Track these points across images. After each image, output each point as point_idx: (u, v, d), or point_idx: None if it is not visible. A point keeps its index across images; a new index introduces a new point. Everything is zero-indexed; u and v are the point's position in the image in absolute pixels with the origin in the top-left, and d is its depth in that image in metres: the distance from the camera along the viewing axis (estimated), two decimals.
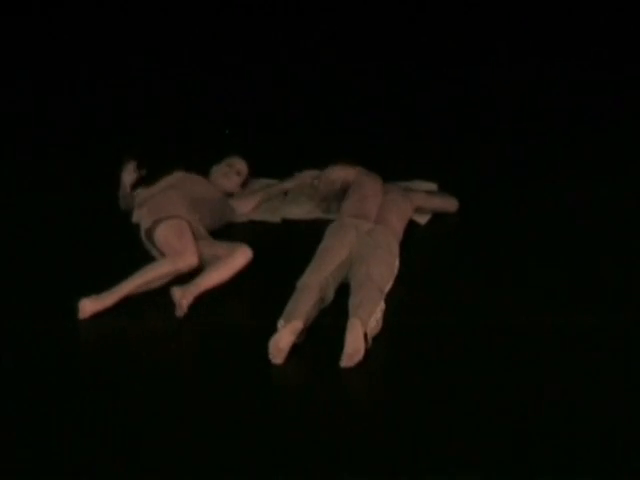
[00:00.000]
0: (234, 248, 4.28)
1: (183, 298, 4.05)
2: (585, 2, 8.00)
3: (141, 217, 4.53)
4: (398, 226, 4.48)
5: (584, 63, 7.17)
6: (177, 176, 4.78)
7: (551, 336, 3.86)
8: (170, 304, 4.09)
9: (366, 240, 4.23)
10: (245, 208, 4.95)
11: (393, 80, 7.09)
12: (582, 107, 6.40)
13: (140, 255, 4.47)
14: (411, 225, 4.69)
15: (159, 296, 4.20)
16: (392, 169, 5.17)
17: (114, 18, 8.21)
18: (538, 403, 3.45)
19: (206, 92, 6.93)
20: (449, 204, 4.93)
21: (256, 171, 5.14)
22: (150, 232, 4.40)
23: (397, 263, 4.25)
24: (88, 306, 4.07)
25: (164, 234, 4.33)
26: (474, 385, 3.58)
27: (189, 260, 4.23)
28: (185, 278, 4.23)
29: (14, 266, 4.59)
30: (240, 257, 4.24)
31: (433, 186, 5.12)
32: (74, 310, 4.05)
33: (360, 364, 3.69)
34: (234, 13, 8.22)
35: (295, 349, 3.78)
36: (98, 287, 4.14)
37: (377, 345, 3.82)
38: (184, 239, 4.28)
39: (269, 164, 5.24)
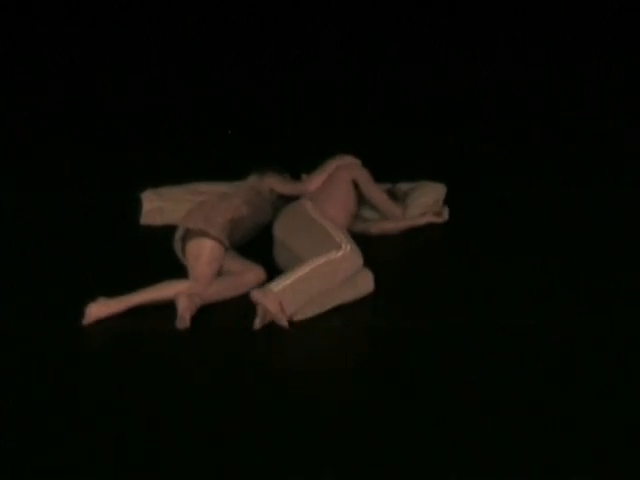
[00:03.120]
0: (248, 269, 4.33)
1: (187, 310, 4.09)
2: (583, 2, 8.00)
3: (190, 213, 4.50)
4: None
5: (582, 62, 7.20)
6: (249, 181, 4.84)
7: (549, 337, 3.89)
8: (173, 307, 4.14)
9: None
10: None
11: (394, 80, 7.10)
12: (580, 107, 6.42)
13: (145, 258, 4.55)
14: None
15: None
16: (395, 169, 5.22)
17: (114, 19, 8.23)
18: (535, 403, 3.48)
19: (207, 93, 6.94)
20: (394, 209, 4.87)
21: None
22: (189, 234, 4.37)
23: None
24: (94, 311, 4.10)
25: (198, 251, 4.30)
26: (470, 386, 3.61)
27: (202, 288, 4.24)
28: None
29: (18, 267, 4.63)
30: (252, 279, 4.29)
31: (441, 187, 5.10)
32: (76, 312, 4.08)
33: (359, 365, 3.79)
34: (234, 13, 8.22)
35: (299, 348, 3.88)
36: (102, 291, 4.18)
37: (374, 347, 3.89)
38: (210, 267, 4.29)
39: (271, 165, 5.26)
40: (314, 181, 4.78)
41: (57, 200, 5.29)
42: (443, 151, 5.79)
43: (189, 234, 4.36)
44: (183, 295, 4.13)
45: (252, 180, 4.87)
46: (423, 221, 4.87)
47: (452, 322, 4.01)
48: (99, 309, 4.10)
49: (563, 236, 4.73)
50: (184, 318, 4.07)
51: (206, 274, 4.26)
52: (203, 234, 4.31)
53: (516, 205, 5.08)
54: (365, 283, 4.24)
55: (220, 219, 4.39)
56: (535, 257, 4.54)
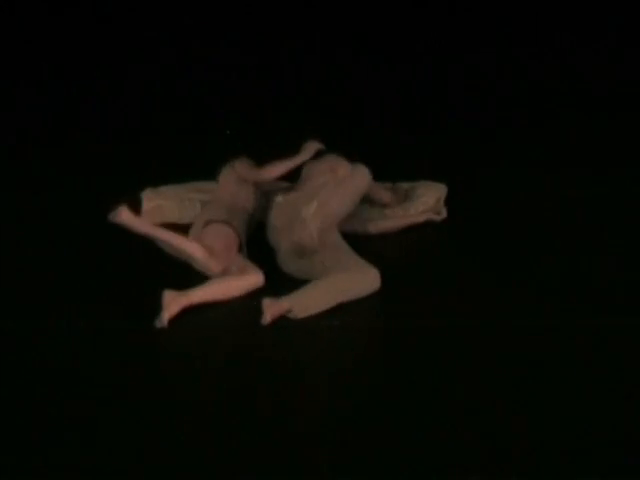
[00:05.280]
0: (248, 271, 4.30)
1: (169, 308, 4.04)
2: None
3: (207, 209, 4.58)
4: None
5: (582, 62, 7.19)
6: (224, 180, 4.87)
7: (549, 337, 3.88)
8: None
9: None
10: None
11: (394, 79, 7.10)
12: (581, 107, 6.42)
13: (143, 258, 4.53)
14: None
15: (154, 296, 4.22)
16: (395, 169, 5.22)
17: (113, 17, 8.22)
18: (536, 404, 3.48)
19: (207, 93, 6.93)
20: (384, 194, 4.91)
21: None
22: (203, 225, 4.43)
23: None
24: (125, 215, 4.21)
25: (218, 232, 4.37)
26: (471, 386, 3.60)
27: (216, 268, 4.28)
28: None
29: (17, 267, 4.63)
30: (251, 282, 4.25)
31: (442, 187, 5.08)
32: (75, 312, 4.09)
33: (359, 365, 3.79)
34: (235, 12, 8.21)
35: (299, 347, 3.88)
36: (101, 291, 4.20)
37: (374, 347, 3.91)
38: (227, 251, 4.32)
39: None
40: (277, 169, 4.79)
41: (56, 200, 5.29)
42: (443, 151, 5.77)
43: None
44: (169, 294, 4.09)
45: (226, 178, 4.86)
46: (422, 218, 4.87)
47: (452, 322, 4.01)
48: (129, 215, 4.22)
49: (563, 236, 4.73)
50: (163, 318, 4.02)
51: (223, 255, 4.27)
52: (219, 223, 4.38)
53: (516, 205, 5.07)
54: (371, 281, 4.23)
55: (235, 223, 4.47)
56: (535, 257, 4.53)
